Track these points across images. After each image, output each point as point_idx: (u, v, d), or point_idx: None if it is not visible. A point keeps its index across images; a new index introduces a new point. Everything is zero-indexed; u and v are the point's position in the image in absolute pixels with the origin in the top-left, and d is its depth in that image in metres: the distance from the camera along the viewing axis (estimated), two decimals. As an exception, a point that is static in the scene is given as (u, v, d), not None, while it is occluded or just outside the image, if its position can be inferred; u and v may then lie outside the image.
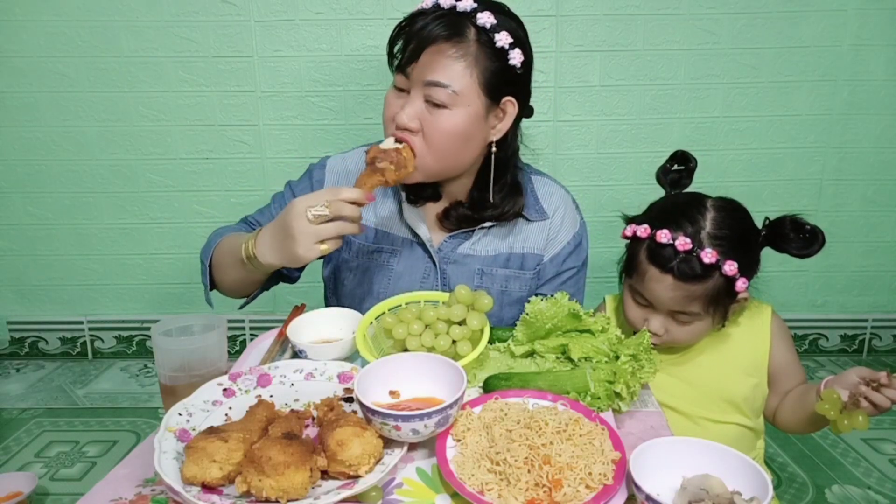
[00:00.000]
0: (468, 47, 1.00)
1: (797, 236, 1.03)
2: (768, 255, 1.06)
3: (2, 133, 2.25)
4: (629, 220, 1.11)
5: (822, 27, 2.14)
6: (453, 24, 0.99)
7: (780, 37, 2.15)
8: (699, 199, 1.06)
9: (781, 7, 2.12)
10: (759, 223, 1.07)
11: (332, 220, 0.91)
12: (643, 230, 1.04)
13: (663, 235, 1.01)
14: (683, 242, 0.99)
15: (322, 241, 0.91)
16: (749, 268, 1.03)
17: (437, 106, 1.01)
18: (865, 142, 2.27)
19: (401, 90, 1.04)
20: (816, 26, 2.14)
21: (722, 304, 1.04)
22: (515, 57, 1.02)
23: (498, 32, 1.00)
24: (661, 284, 1.02)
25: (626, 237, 1.10)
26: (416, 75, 1.01)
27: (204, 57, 2.17)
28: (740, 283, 1.01)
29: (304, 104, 2.21)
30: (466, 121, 1.02)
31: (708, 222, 1.01)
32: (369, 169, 0.99)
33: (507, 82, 1.05)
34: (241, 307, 1.23)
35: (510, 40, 1.01)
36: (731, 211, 1.05)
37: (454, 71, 0.99)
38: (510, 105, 1.07)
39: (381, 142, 1.04)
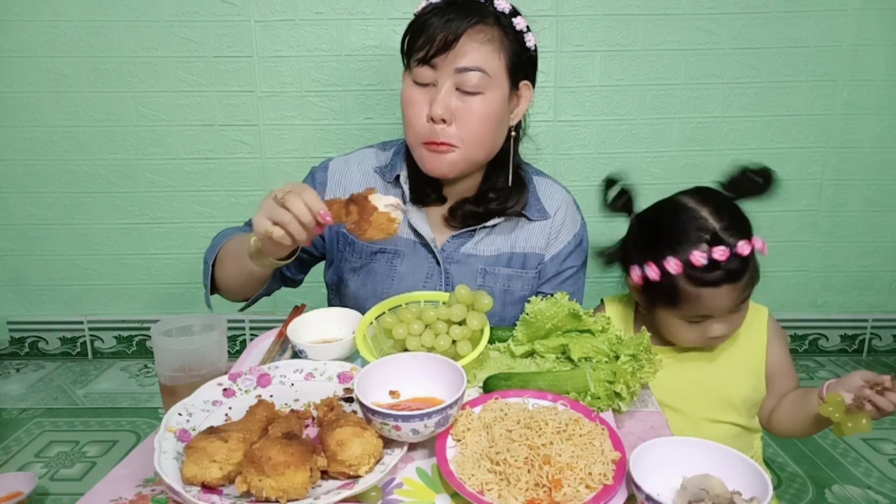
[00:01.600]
0: (494, 31, 1.03)
1: (756, 180, 1.04)
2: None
3: (2, 133, 2.25)
4: (612, 258, 1.11)
5: (822, 27, 2.14)
6: (476, 11, 1.02)
7: (780, 37, 2.15)
8: (683, 207, 1.04)
9: (781, 7, 2.12)
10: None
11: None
12: (674, 266, 0.99)
13: (699, 258, 0.98)
14: (721, 252, 0.97)
15: (274, 223, 0.88)
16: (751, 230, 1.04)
17: (469, 93, 1.02)
18: (865, 142, 2.27)
19: (423, 85, 1.05)
20: (816, 26, 2.14)
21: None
22: (530, 40, 1.08)
23: (515, 17, 1.06)
24: (720, 297, 1.00)
25: (653, 280, 1.03)
26: (446, 65, 1.02)
27: (204, 57, 2.17)
28: (762, 248, 1.02)
29: (304, 104, 2.21)
30: (498, 104, 1.05)
31: (712, 221, 1.00)
32: (347, 200, 0.91)
33: (524, 65, 1.09)
34: (241, 310, 1.22)
35: (525, 24, 1.07)
36: (712, 198, 1.04)
37: (485, 55, 1.02)
38: (526, 88, 1.12)
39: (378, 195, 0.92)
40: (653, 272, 1.03)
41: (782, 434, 1.13)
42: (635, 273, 1.07)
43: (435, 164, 1.07)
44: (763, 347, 1.12)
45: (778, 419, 1.11)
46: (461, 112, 1.03)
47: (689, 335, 1.08)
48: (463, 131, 1.03)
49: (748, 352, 1.12)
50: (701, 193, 1.06)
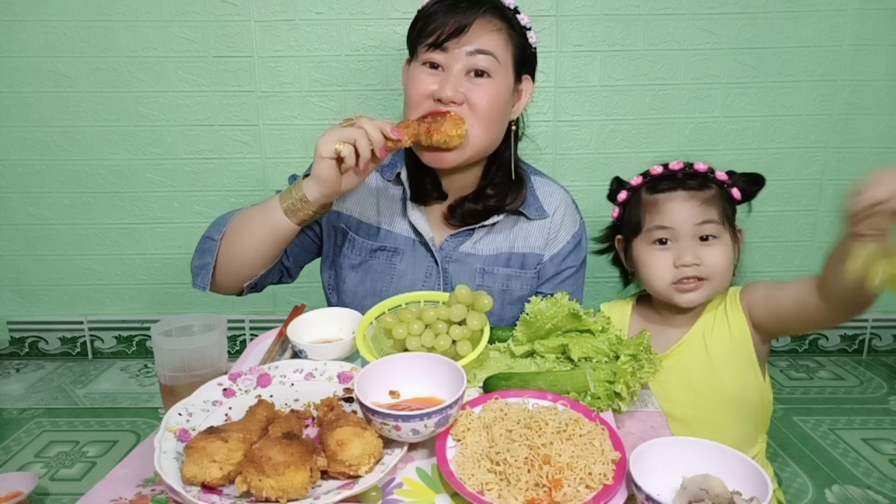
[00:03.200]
0: (502, 23, 1.06)
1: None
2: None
3: (2, 133, 2.25)
4: (610, 232, 1.24)
5: (822, 27, 2.14)
6: (486, 2, 1.05)
7: (780, 37, 2.15)
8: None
9: (781, 7, 2.12)
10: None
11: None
12: (636, 180, 1.15)
13: (657, 169, 1.13)
14: (676, 163, 1.12)
15: (341, 143, 0.93)
16: None
17: (479, 77, 1.05)
18: (865, 142, 2.27)
19: (433, 67, 1.06)
20: (816, 26, 2.14)
21: (729, 215, 1.10)
22: (533, 37, 1.12)
23: (519, 13, 1.10)
24: (676, 201, 1.08)
25: (622, 202, 1.18)
26: (457, 49, 1.04)
27: (204, 57, 2.17)
28: (736, 192, 1.11)
29: (304, 104, 2.21)
30: (504, 92, 1.08)
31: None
32: (418, 119, 1.04)
33: (527, 60, 1.13)
34: (243, 293, 1.15)
35: (528, 21, 1.10)
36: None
37: (497, 41, 1.05)
38: (527, 83, 1.15)
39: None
40: (622, 195, 1.18)
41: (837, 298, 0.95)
42: (615, 212, 1.21)
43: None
44: (743, 322, 1.11)
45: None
46: (471, 95, 1.05)
47: (660, 266, 1.10)
48: (473, 113, 1.05)
49: (734, 335, 1.11)
50: None
